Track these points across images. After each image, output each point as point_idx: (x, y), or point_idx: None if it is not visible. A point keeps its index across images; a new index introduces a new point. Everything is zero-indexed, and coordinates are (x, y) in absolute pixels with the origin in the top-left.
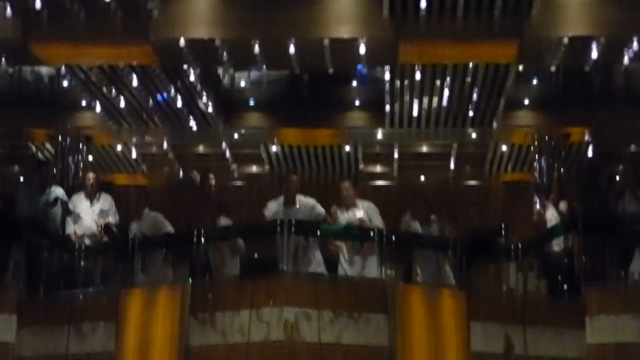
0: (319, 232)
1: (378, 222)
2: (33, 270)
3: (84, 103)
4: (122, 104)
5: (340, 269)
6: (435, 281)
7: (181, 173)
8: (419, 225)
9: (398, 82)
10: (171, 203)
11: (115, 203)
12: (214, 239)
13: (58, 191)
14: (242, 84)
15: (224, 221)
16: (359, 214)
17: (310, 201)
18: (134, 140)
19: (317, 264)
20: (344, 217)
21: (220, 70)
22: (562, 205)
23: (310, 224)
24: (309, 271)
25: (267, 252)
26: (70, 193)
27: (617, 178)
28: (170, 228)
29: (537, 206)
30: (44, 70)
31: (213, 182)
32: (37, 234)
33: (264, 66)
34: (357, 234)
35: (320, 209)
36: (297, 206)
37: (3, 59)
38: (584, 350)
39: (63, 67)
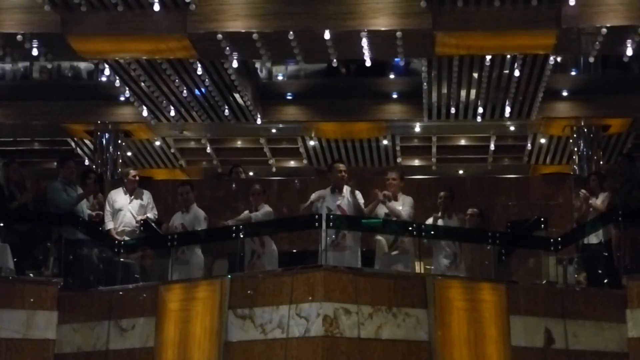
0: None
1: (405, 215)
2: (73, 266)
3: (122, 98)
4: (160, 99)
5: (377, 263)
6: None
7: (219, 168)
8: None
9: (435, 74)
10: (210, 197)
11: (154, 198)
12: (254, 232)
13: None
14: (280, 77)
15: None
16: (399, 208)
17: (358, 196)
18: (173, 135)
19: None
20: (384, 208)
21: (257, 64)
22: (601, 199)
23: (349, 217)
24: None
25: (306, 245)
26: (109, 188)
27: None
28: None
29: (578, 201)
30: (83, 65)
31: (242, 175)
32: (76, 230)
33: (301, 59)
34: (396, 228)
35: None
36: (344, 194)
37: (42, 53)
38: (625, 343)
39: (101, 62)
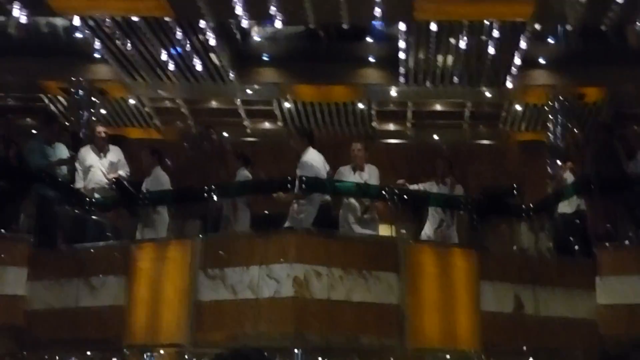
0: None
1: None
2: (44, 223)
3: (97, 56)
4: (136, 57)
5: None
6: (443, 240)
7: (194, 128)
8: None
9: (413, 39)
10: (184, 157)
11: (128, 156)
12: (227, 194)
13: (64, 151)
14: (257, 39)
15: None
16: (365, 177)
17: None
18: (148, 94)
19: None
20: (351, 177)
21: (235, 25)
22: (577, 170)
23: (323, 180)
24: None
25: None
26: (83, 146)
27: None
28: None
29: (555, 170)
30: (59, 22)
31: (214, 136)
32: (48, 187)
33: (279, 21)
34: (369, 192)
35: None
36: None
37: (18, 9)
38: (595, 310)
39: (78, 19)
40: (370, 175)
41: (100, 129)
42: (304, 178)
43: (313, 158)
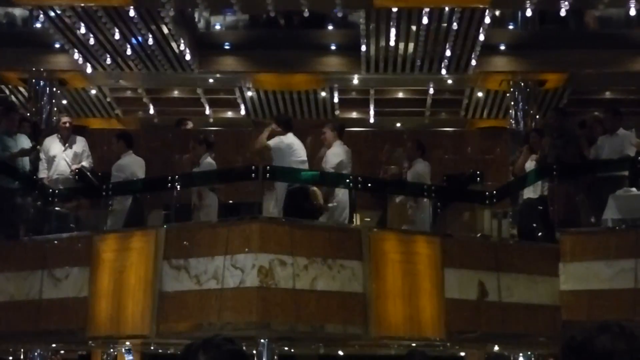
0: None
1: (329, 165)
2: (6, 215)
3: (57, 45)
4: (96, 47)
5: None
6: (410, 227)
7: (156, 118)
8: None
9: (373, 26)
10: (145, 147)
11: (89, 147)
12: (190, 183)
13: (25, 141)
14: (218, 27)
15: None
16: (328, 156)
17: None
18: (109, 83)
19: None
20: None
21: (195, 14)
22: (539, 154)
23: (287, 169)
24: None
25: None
26: (44, 137)
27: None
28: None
29: (516, 157)
30: (18, 12)
31: (189, 126)
32: (9, 178)
33: (238, 9)
34: (332, 179)
35: None
36: None
37: None
38: (558, 296)
39: (36, 9)
40: (333, 154)
41: (65, 119)
42: (268, 167)
43: (293, 142)
